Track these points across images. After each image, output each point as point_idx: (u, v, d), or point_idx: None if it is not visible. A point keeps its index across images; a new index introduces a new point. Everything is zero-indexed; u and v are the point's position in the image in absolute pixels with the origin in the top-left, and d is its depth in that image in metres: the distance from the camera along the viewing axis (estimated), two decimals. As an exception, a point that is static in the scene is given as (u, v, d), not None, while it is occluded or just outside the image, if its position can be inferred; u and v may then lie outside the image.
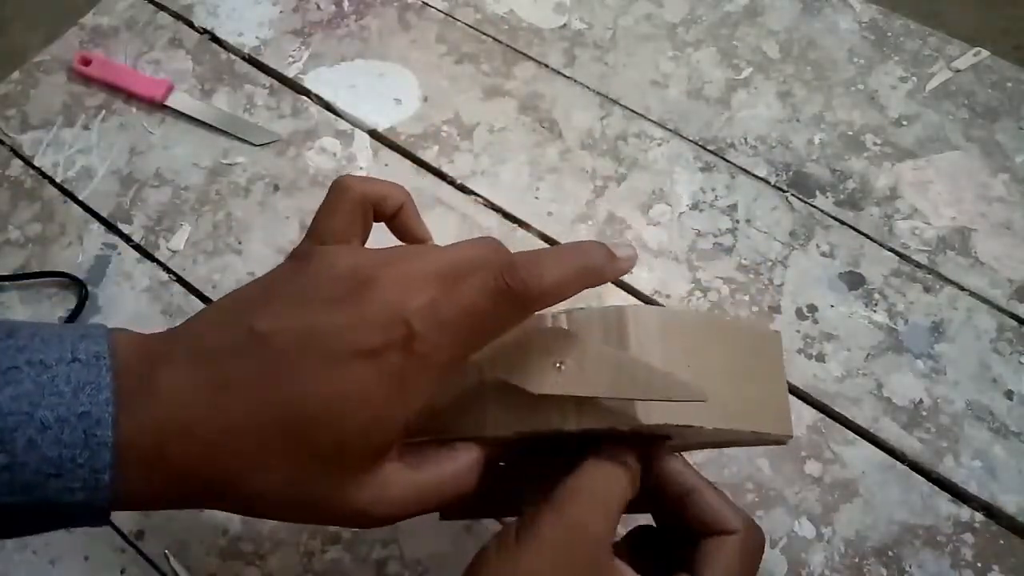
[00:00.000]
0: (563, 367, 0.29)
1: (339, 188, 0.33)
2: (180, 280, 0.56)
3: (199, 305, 0.54)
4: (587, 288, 0.29)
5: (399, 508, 0.29)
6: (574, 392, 0.28)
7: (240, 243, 0.57)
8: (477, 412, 0.30)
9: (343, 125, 0.62)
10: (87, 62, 0.64)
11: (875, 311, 0.53)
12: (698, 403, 0.28)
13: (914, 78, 0.63)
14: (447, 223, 0.57)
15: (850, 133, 0.60)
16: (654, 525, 0.34)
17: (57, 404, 0.25)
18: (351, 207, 0.32)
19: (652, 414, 0.29)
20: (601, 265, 0.29)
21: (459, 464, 0.30)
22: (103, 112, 0.63)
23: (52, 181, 0.60)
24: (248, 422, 0.26)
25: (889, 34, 0.65)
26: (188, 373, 0.27)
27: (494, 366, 0.30)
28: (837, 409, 0.50)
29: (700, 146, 0.60)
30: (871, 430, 0.49)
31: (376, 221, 0.34)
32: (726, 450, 0.48)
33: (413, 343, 0.27)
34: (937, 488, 0.47)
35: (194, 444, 0.26)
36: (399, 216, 0.34)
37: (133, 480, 0.26)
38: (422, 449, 0.30)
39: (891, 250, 0.55)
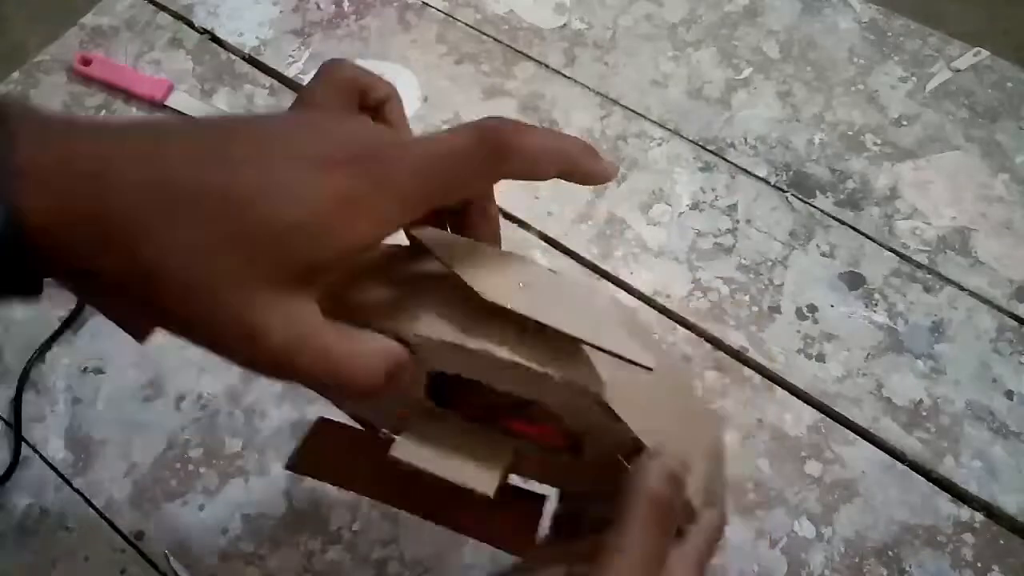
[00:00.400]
0: (523, 287, 0.28)
1: (331, 66, 0.31)
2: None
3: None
4: (561, 176, 0.27)
5: (296, 354, 0.25)
6: (527, 312, 0.27)
7: (240, 243, 0.57)
8: (414, 308, 0.29)
9: (343, 125, 0.62)
10: (87, 62, 0.64)
11: (875, 311, 0.53)
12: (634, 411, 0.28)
13: (914, 78, 0.63)
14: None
15: (850, 133, 0.60)
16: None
17: None
18: (344, 84, 0.31)
19: (590, 376, 0.28)
20: (578, 155, 0.27)
21: (378, 349, 0.27)
22: (103, 112, 0.63)
23: (52, 181, 0.60)
24: (173, 176, 0.23)
25: (889, 34, 0.65)
26: (117, 127, 0.24)
27: (452, 259, 0.28)
28: (837, 409, 0.50)
29: (700, 146, 0.60)
30: (871, 430, 0.49)
31: (360, 110, 0.32)
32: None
33: (377, 166, 0.24)
34: (937, 488, 0.47)
35: (105, 176, 0.22)
36: (383, 110, 0.32)
37: (36, 196, 0.21)
38: (348, 327, 0.27)
39: (891, 250, 0.55)
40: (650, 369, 0.26)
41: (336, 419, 0.38)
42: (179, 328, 0.24)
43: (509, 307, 0.27)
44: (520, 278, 0.28)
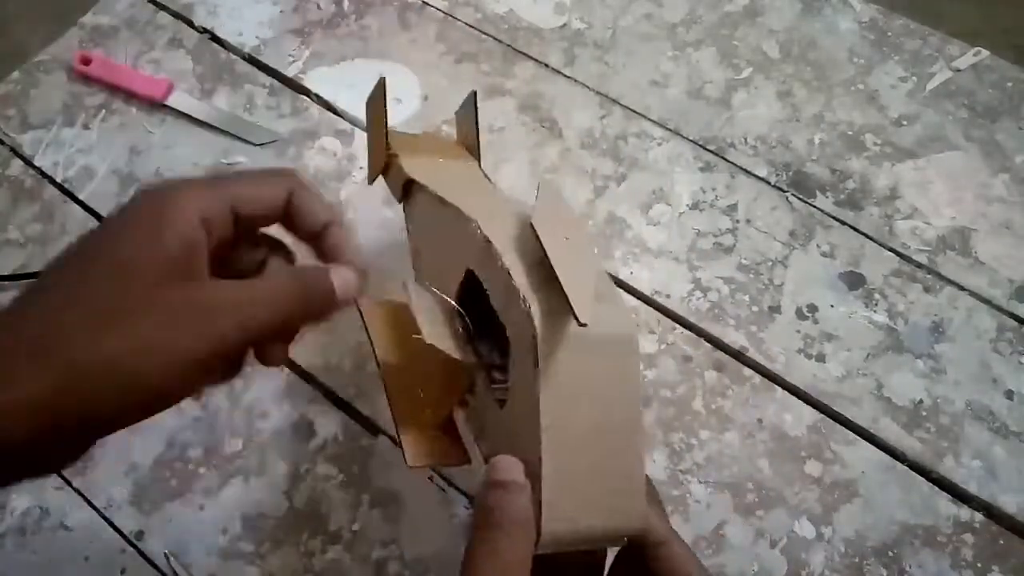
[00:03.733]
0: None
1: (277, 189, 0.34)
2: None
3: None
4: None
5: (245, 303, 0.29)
6: (541, 237, 0.31)
7: (240, 243, 0.57)
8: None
9: (343, 125, 0.62)
10: (87, 62, 0.64)
11: (875, 311, 0.53)
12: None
13: (914, 78, 0.63)
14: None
15: (850, 133, 0.60)
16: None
17: None
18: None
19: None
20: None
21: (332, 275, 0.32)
22: (103, 112, 0.63)
23: (52, 181, 0.60)
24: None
25: (889, 34, 0.65)
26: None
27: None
28: (837, 409, 0.50)
29: (700, 146, 0.60)
30: (871, 430, 0.49)
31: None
32: (726, 450, 0.48)
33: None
34: (937, 488, 0.47)
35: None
36: (323, 235, 0.35)
37: None
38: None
39: (891, 250, 0.55)
40: (583, 324, 0.28)
41: None
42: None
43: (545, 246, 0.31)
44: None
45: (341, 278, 0.33)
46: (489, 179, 0.45)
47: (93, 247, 0.29)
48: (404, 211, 0.46)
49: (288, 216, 0.34)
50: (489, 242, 0.34)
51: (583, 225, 0.33)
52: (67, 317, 0.27)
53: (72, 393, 0.26)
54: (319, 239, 0.35)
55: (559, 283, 0.29)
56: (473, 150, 0.47)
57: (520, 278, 0.32)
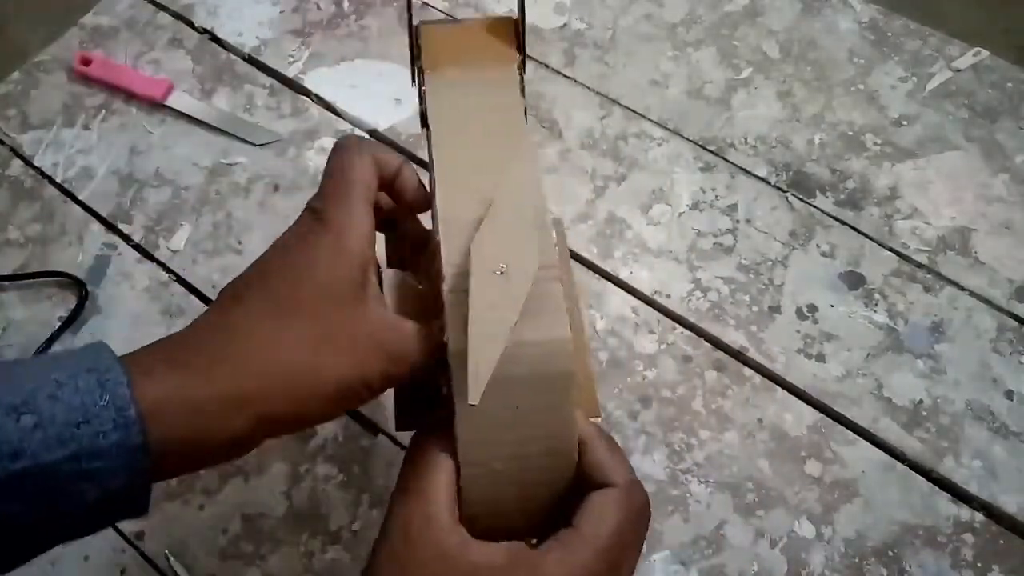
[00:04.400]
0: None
1: (346, 157, 0.33)
2: (180, 280, 0.56)
3: (199, 305, 0.54)
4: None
5: (408, 334, 0.31)
6: (472, 267, 0.30)
7: (240, 243, 0.57)
8: None
9: (343, 125, 0.62)
10: (87, 62, 0.64)
11: (875, 311, 0.53)
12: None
13: (914, 78, 0.63)
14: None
15: (850, 133, 0.60)
16: None
17: (67, 365, 0.27)
18: (363, 178, 0.33)
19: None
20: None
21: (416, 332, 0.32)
22: (103, 112, 0.63)
23: (52, 181, 0.60)
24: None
25: (889, 34, 0.65)
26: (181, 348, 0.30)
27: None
28: (837, 409, 0.50)
29: (700, 146, 0.60)
30: (871, 430, 0.49)
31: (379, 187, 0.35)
32: (726, 450, 0.48)
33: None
34: (937, 488, 0.47)
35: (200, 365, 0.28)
36: (397, 181, 0.35)
37: (158, 413, 0.27)
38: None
39: (891, 250, 0.55)
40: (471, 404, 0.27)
41: None
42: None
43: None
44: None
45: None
46: (523, 93, 0.37)
47: (289, 266, 0.31)
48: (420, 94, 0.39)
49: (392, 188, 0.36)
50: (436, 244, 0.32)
51: (544, 246, 0.31)
52: (265, 326, 0.30)
53: (258, 392, 0.29)
54: (393, 185, 0.36)
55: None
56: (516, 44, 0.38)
57: (449, 286, 0.30)
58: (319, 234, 0.31)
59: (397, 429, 0.37)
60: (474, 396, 0.27)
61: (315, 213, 0.32)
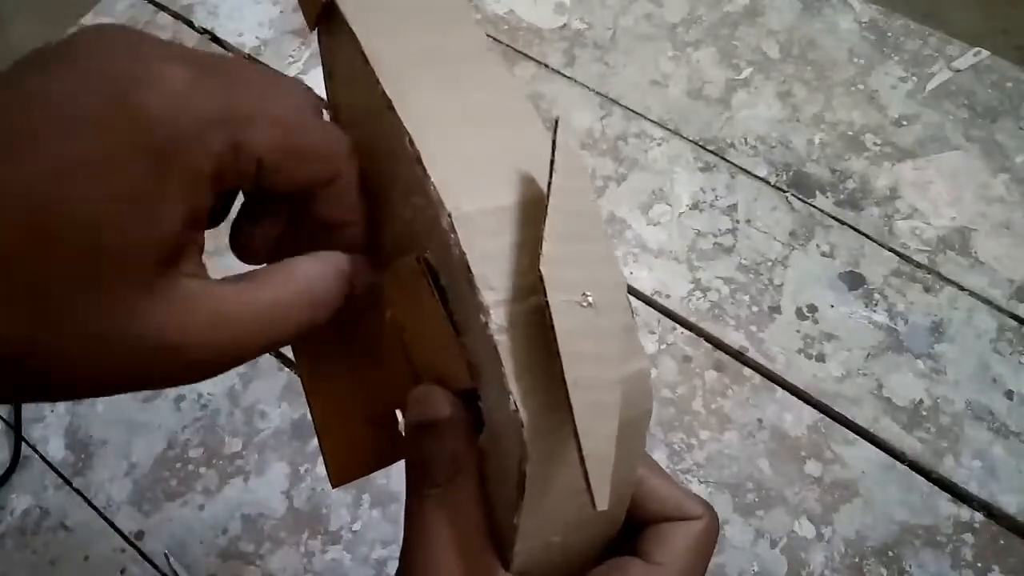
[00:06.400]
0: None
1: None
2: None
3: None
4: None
5: (221, 330, 0.21)
6: (551, 309, 0.20)
7: (240, 243, 0.57)
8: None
9: (343, 125, 0.62)
10: (87, 62, 0.63)
11: (875, 311, 0.53)
12: None
13: (914, 78, 0.63)
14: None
15: (850, 133, 0.60)
16: None
17: None
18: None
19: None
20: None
21: (316, 270, 0.23)
22: (103, 112, 0.63)
23: (52, 181, 0.60)
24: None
25: (889, 34, 0.65)
26: None
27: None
28: (837, 409, 0.50)
29: (700, 146, 0.60)
30: (871, 430, 0.49)
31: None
32: (726, 450, 0.48)
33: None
34: (937, 488, 0.47)
35: None
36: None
37: None
38: (264, 270, 0.23)
39: (891, 250, 0.55)
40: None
41: None
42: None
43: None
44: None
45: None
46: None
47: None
48: (320, 43, 0.28)
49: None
50: (453, 231, 0.20)
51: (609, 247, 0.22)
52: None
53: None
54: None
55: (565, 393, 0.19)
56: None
57: (504, 346, 0.20)
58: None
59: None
60: (602, 501, 0.19)
61: None
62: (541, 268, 0.19)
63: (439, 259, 0.22)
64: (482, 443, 0.23)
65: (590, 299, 0.20)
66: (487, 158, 0.22)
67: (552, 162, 0.20)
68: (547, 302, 0.19)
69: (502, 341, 0.20)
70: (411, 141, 0.22)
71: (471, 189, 0.21)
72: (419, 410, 0.23)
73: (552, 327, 0.19)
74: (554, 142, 0.21)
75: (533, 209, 0.21)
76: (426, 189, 0.21)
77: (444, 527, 0.23)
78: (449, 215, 0.21)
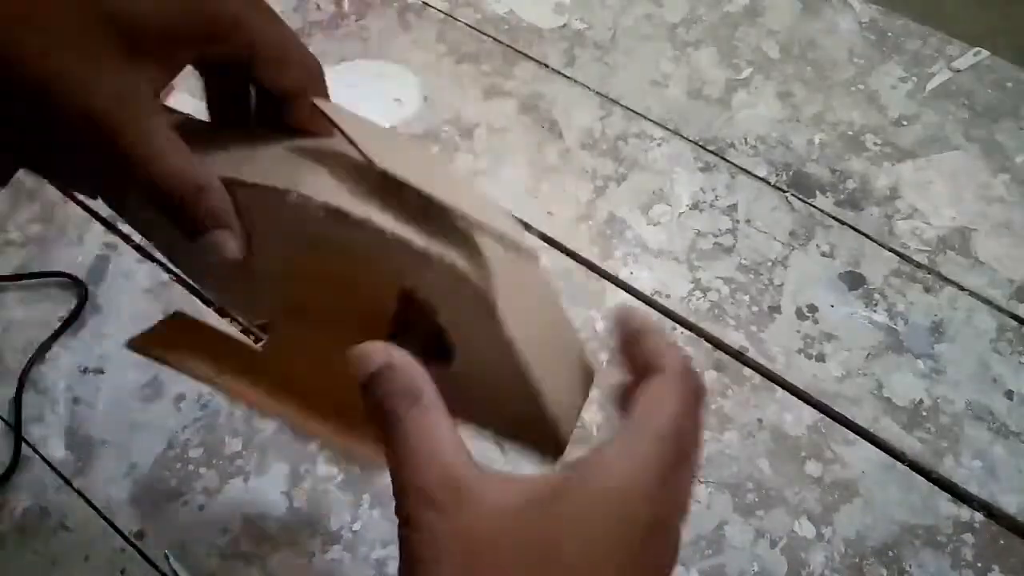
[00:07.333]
0: (416, 163, 0.29)
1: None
2: (180, 280, 0.56)
3: (199, 305, 0.54)
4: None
5: (118, 124, 0.26)
6: (421, 185, 0.27)
7: (240, 243, 0.57)
8: (296, 174, 0.29)
9: (343, 125, 0.62)
10: (87, 62, 0.63)
11: (875, 311, 0.53)
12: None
13: (914, 78, 0.63)
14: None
15: (850, 133, 0.60)
16: None
17: None
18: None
19: (475, 263, 0.27)
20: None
21: (193, 168, 0.28)
22: (103, 112, 0.63)
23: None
24: None
25: (889, 34, 0.65)
26: None
27: (351, 132, 0.29)
28: (837, 409, 0.50)
29: (700, 146, 0.60)
30: (871, 430, 0.49)
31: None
32: (726, 450, 0.48)
33: None
34: (937, 488, 0.47)
35: None
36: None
37: None
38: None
39: (891, 250, 0.55)
40: (536, 258, 0.26)
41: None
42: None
43: (407, 180, 0.27)
44: (414, 157, 0.29)
45: None
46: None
47: None
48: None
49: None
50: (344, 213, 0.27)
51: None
52: None
53: None
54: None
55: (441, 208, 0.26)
56: None
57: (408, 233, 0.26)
58: None
59: None
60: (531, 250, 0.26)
61: None
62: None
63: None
64: (456, 368, 0.28)
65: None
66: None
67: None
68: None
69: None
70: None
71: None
72: (359, 371, 0.26)
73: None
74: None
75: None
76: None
77: (422, 443, 0.24)
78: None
